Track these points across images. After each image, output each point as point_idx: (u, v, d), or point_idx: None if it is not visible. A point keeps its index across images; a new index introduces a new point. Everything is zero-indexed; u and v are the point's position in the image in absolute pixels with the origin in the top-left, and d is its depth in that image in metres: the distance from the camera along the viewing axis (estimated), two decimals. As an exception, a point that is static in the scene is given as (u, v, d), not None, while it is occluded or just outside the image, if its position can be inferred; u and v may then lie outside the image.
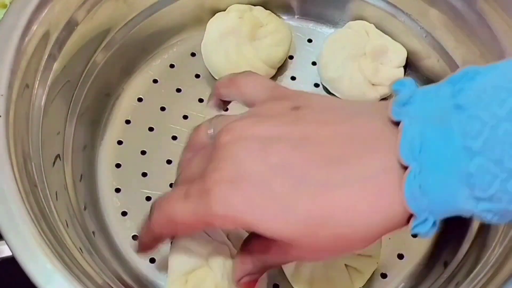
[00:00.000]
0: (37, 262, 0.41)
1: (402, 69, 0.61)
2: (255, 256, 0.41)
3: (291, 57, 0.64)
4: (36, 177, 0.48)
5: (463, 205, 0.32)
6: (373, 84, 0.60)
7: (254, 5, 0.63)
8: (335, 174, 0.35)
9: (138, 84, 0.62)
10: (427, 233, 0.34)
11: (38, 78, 0.51)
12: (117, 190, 0.57)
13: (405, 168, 0.33)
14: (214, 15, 0.62)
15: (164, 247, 0.52)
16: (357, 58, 0.60)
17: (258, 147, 0.36)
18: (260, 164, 0.36)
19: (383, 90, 0.60)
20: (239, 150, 0.37)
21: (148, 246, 0.45)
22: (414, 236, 0.36)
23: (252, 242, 0.42)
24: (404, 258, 0.55)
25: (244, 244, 0.43)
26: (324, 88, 0.62)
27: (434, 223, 0.34)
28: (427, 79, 0.62)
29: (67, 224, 0.49)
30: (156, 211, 0.41)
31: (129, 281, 0.52)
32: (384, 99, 0.60)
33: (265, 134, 0.37)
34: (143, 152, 0.59)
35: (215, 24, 0.61)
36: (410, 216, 0.34)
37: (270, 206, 0.35)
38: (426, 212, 0.33)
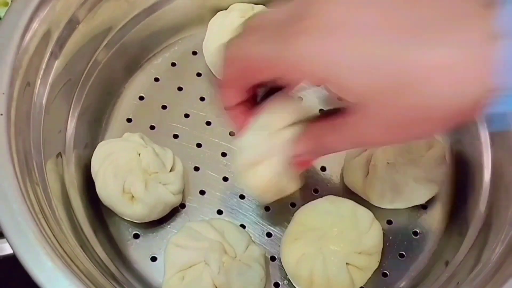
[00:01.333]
0: (38, 260, 0.41)
1: None
2: (318, 137, 0.40)
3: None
4: (37, 175, 0.48)
5: None
6: None
7: (256, 4, 0.63)
8: (430, 37, 0.32)
9: (139, 82, 0.62)
10: (505, 116, 0.33)
11: (40, 77, 0.51)
12: (118, 189, 0.57)
13: (496, 38, 0.31)
14: (215, 13, 0.62)
15: (163, 247, 0.53)
16: None
17: (355, 5, 0.34)
18: (355, 17, 0.34)
19: None
20: (331, 5, 0.34)
21: (227, 98, 0.42)
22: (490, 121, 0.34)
23: (318, 122, 0.40)
24: (405, 257, 0.55)
25: (309, 124, 0.42)
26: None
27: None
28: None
29: (67, 222, 0.49)
30: (229, 49, 0.39)
31: (129, 278, 0.53)
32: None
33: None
34: (145, 151, 0.59)
35: (216, 23, 0.61)
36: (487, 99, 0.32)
37: (359, 58, 0.33)
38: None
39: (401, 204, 0.55)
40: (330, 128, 0.39)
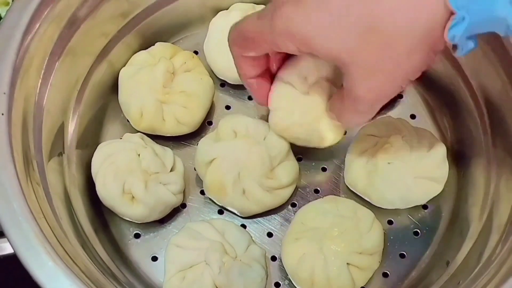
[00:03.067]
0: (39, 259, 0.42)
1: None
2: (340, 116, 0.48)
3: (293, 56, 0.64)
4: (38, 174, 0.48)
5: (500, 12, 0.35)
6: None
7: (257, 4, 0.63)
8: None
9: (140, 82, 0.62)
10: (463, 43, 0.37)
11: (41, 76, 0.51)
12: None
13: None
14: (216, 13, 0.62)
15: (164, 246, 0.53)
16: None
17: None
18: None
19: None
20: None
21: (243, 68, 0.49)
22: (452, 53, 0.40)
23: (333, 100, 0.49)
24: (405, 258, 0.55)
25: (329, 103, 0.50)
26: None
27: (472, 36, 0.37)
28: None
29: (68, 222, 0.49)
30: (232, 28, 0.46)
31: (130, 278, 0.53)
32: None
33: None
34: (145, 150, 0.59)
35: (217, 23, 0.61)
36: (448, 20, 0.37)
37: (326, 18, 0.39)
38: (463, 10, 0.36)
39: (402, 204, 0.55)
40: (339, 103, 0.46)
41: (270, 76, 0.51)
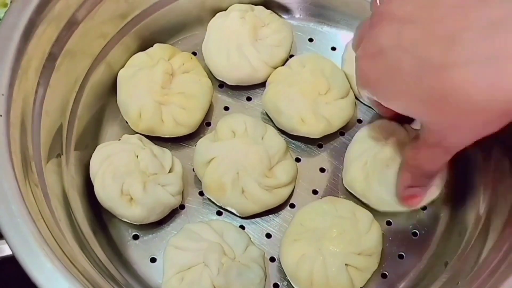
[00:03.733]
0: (37, 261, 0.42)
1: None
2: (411, 167, 0.48)
3: (291, 57, 0.64)
4: (37, 176, 0.48)
5: None
6: None
7: (255, 5, 0.63)
8: (453, 56, 0.37)
9: (139, 83, 0.62)
10: None
11: (39, 77, 0.51)
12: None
13: None
14: (215, 14, 0.62)
15: (162, 248, 0.53)
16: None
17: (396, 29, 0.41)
18: (393, 41, 0.41)
19: None
20: (380, 31, 0.42)
21: None
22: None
23: (406, 154, 0.49)
24: (404, 258, 0.55)
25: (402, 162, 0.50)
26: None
27: None
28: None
29: (67, 223, 0.49)
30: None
31: (128, 279, 0.53)
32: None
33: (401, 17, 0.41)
34: (144, 152, 0.59)
35: (216, 24, 0.61)
36: None
37: (398, 83, 0.41)
38: None
39: (399, 207, 0.54)
40: (414, 151, 0.47)
41: None
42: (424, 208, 0.56)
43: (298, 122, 0.57)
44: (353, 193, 0.56)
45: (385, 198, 0.54)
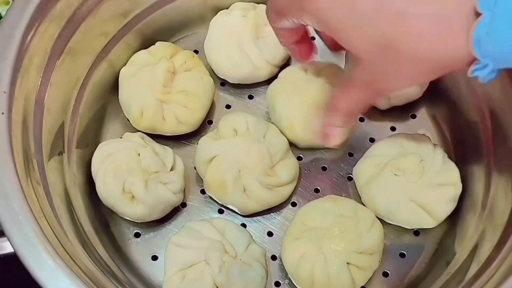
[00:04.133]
0: (39, 258, 0.42)
1: None
2: (335, 105, 0.48)
3: (294, 55, 0.64)
4: (38, 174, 0.48)
5: None
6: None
7: (257, 3, 0.63)
8: (414, 7, 0.38)
9: (141, 81, 0.62)
10: (485, 78, 0.38)
11: (41, 76, 0.51)
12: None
13: (478, 15, 0.36)
14: (217, 13, 0.62)
15: (164, 246, 0.53)
16: None
17: None
18: None
19: None
20: None
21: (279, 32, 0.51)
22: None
23: (333, 92, 0.49)
24: (405, 257, 0.55)
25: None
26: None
27: (494, 71, 0.38)
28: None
29: (68, 221, 0.49)
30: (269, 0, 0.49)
31: (130, 277, 0.53)
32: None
33: None
34: (146, 150, 0.59)
35: (218, 22, 0.61)
36: (472, 61, 0.38)
37: (352, 19, 0.41)
38: (487, 58, 0.37)
39: (386, 216, 0.54)
40: (342, 88, 0.47)
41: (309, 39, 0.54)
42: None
43: (286, 126, 0.56)
44: (355, 182, 0.56)
45: (376, 200, 0.54)
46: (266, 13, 0.49)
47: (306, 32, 0.52)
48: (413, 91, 0.58)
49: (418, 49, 0.39)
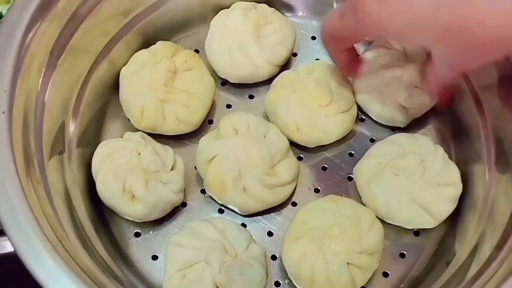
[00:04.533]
0: (39, 258, 0.42)
1: None
2: (431, 81, 0.51)
3: (294, 55, 0.64)
4: (39, 173, 0.48)
5: None
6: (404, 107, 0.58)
7: (258, 3, 0.63)
8: None
9: (141, 81, 0.62)
10: None
11: (42, 75, 0.51)
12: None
13: None
14: (218, 12, 0.62)
15: (164, 245, 0.53)
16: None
17: None
18: None
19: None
20: None
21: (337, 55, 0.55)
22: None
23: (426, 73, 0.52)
24: (406, 257, 0.55)
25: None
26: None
27: None
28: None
29: (69, 221, 0.49)
30: (322, 31, 0.52)
31: (130, 277, 0.53)
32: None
33: None
34: (146, 149, 0.59)
35: (219, 22, 0.61)
36: None
37: (411, 19, 0.42)
38: None
39: (386, 216, 0.54)
40: (431, 73, 0.49)
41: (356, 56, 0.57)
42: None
43: (293, 130, 0.57)
44: (355, 182, 0.56)
45: (375, 201, 0.54)
46: (323, 41, 0.52)
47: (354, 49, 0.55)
48: (428, 101, 0.58)
49: (487, 32, 0.39)
